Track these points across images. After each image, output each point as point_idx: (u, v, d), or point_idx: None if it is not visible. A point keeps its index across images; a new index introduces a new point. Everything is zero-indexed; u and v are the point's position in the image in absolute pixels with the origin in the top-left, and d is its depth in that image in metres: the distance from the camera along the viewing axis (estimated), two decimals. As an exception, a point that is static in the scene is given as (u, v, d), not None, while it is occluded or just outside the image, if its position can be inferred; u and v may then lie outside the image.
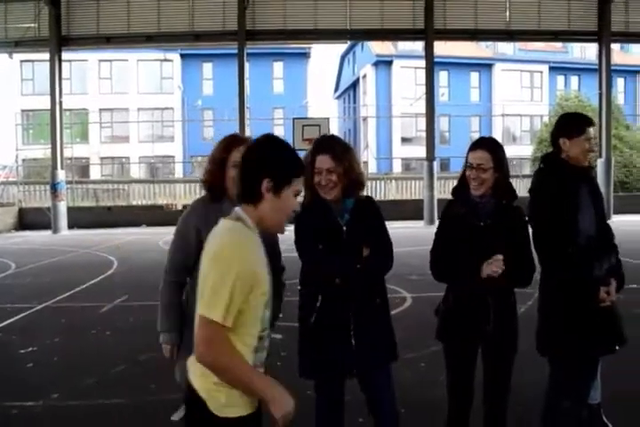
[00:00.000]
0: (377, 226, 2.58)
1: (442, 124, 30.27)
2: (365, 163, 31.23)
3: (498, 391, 2.69)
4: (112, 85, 31.76)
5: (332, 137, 2.71)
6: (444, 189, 18.14)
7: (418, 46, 16.89)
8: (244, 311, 1.56)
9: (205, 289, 1.55)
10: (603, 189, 15.86)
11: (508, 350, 2.69)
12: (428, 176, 16.63)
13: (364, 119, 32.09)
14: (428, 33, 16.49)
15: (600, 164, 16.75)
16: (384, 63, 32.04)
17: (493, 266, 2.48)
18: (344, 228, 2.48)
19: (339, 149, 2.52)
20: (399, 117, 29.93)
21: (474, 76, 33.12)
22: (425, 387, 3.29)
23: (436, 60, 17.37)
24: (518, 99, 30.99)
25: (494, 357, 2.68)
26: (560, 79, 33.15)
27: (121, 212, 18.98)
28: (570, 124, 2.82)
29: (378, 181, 21.45)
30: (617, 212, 16.91)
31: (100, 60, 30.93)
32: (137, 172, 29.95)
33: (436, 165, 17.15)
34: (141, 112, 31.07)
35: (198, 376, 1.61)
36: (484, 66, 32.78)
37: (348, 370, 2.49)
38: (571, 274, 2.68)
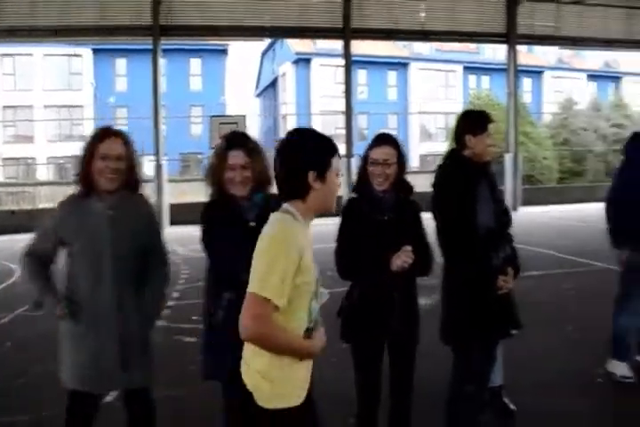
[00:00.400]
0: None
1: (361, 121, 30.82)
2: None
3: (403, 385, 2.73)
4: (15, 81, 29.95)
5: (243, 133, 2.68)
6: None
7: (337, 45, 17.10)
8: (292, 300, 1.64)
9: (258, 270, 1.62)
10: (510, 182, 16.92)
11: (411, 344, 2.75)
12: (346, 173, 16.82)
13: (284, 117, 32.10)
14: (346, 32, 16.66)
15: (508, 159, 17.59)
16: (303, 61, 32.19)
17: (403, 256, 2.51)
18: (252, 223, 2.42)
19: (251, 145, 2.50)
20: (319, 115, 30.16)
21: (391, 75, 33.95)
22: (340, 382, 3.31)
23: (354, 58, 17.57)
24: (434, 97, 32.11)
25: (400, 351, 2.72)
26: (473, 79, 34.62)
27: (26, 216, 17.88)
28: (474, 121, 2.94)
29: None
30: (524, 204, 17.83)
31: (2, 55, 29.13)
32: (44, 173, 28.36)
33: (354, 161, 17.39)
34: (48, 110, 29.49)
35: (245, 370, 1.69)
36: (402, 65, 33.70)
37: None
38: (473, 265, 2.78)
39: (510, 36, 17.51)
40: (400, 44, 31.90)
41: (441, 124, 32.46)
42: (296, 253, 1.63)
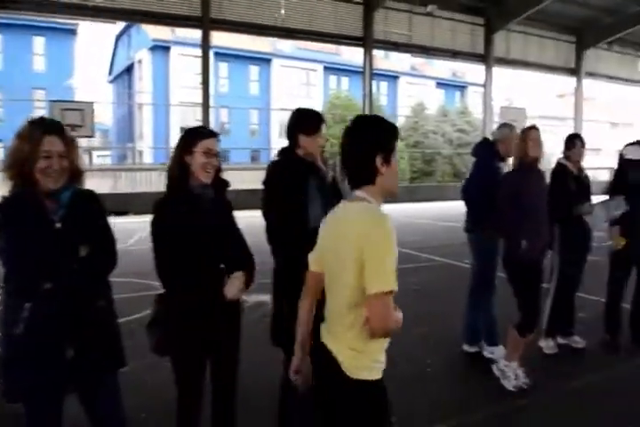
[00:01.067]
0: (101, 223, 2.25)
1: (222, 115, 30.23)
2: (140, 152, 29.62)
3: (227, 395, 2.58)
4: None
5: (54, 120, 2.31)
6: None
7: (198, 34, 16.57)
8: None
9: (374, 269, 1.64)
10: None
11: (234, 353, 2.58)
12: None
13: (140, 106, 30.48)
14: (205, 21, 16.11)
15: (363, 159, 18.22)
16: (161, 49, 30.67)
17: (237, 284, 2.36)
18: (58, 224, 2.12)
19: (67, 132, 2.18)
20: (177, 106, 29.07)
21: (254, 70, 33.67)
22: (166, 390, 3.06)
23: (217, 50, 17.11)
24: (295, 94, 32.43)
25: (223, 363, 2.55)
26: (333, 79, 35.49)
27: None
28: (308, 121, 2.83)
29: (153, 172, 20.55)
30: (378, 203, 18.61)
31: None
32: None
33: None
34: None
35: (333, 343, 1.81)
36: (264, 60, 33.54)
37: (65, 385, 2.12)
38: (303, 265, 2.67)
39: (366, 41, 18.11)
40: (263, 38, 31.73)
41: (301, 122, 32.89)
42: (395, 242, 1.69)
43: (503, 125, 4.62)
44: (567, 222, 4.48)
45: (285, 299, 2.70)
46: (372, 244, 1.67)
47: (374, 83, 22.72)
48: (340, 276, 1.77)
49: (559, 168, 4.68)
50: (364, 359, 1.79)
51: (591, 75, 24.95)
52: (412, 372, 4.17)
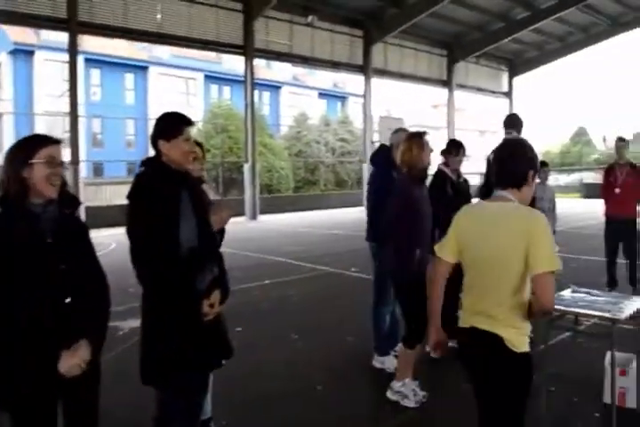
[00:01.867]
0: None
1: (95, 125, 28.51)
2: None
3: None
4: None
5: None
6: (98, 196, 16.85)
7: (65, 38, 15.35)
8: None
9: (544, 252, 2.04)
10: (249, 191, 17.16)
11: (91, 397, 2.17)
12: (73, 182, 15.04)
13: (-1, 116, 27.92)
14: (72, 24, 14.98)
15: (247, 168, 17.97)
16: (24, 53, 28.28)
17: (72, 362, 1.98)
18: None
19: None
20: (42, 116, 26.93)
21: (129, 78, 32.13)
22: None
23: (88, 57, 16.00)
24: (174, 104, 31.33)
25: (78, 410, 2.13)
26: (214, 88, 34.82)
27: None
28: (167, 124, 2.48)
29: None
30: (263, 212, 18.42)
31: None
32: None
33: (84, 169, 15.72)
34: None
35: (495, 326, 2.12)
36: (140, 68, 32.12)
37: None
38: (175, 289, 2.36)
39: (247, 49, 17.90)
40: (138, 45, 30.39)
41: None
42: None
43: (399, 130, 4.55)
44: (447, 228, 4.50)
45: (157, 328, 2.37)
46: (538, 234, 2.07)
47: (256, 92, 22.54)
48: (505, 265, 2.12)
49: (438, 174, 4.75)
50: (523, 335, 2.16)
51: (461, 86, 26.62)
52: (298, 388, 3.98)
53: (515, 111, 5.53)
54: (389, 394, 3.82)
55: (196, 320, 2.38)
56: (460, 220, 2.33)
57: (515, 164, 2.23)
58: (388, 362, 4.33)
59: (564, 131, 51.05)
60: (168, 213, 2.33)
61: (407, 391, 3.76)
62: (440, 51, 25.01)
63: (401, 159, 3.80)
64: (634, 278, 6.56)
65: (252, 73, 18.27)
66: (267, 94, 35.87)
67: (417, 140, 3.79)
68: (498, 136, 35.20)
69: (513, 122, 4.91)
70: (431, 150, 3.82)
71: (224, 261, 2.73)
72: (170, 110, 2.65)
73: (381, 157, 4.57)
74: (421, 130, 3.93)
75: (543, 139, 42.03)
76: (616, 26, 25.25)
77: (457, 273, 2.36)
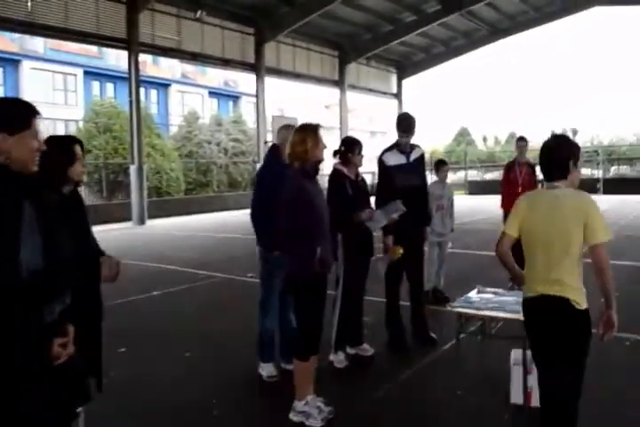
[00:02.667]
0: None
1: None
2: None
3: None
4: None
5: None
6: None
7: None
8: None
9: (599, 224, 2.50)
10: (136, 195, 16.17)
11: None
12: None
13: None
14: None
15: (133, 170, 16.84)
16: None
17: None
18: None
19: None
20: None
21: (-3, 72, 29.33)
22: None
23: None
24: (51, 101, 28.99)
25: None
26: (96, 85, 32.67)
27: None
28: (11, 114, 1.89)
29: None
30: (152, 216, 17.39)
31: None
32: None
33: None
34: None
35: (563, 290, 2.54)
36: (11, 61, 29.33)
37: None
38: (11, 323, 1.81)
39: (131, 44, 16.75)
40: (10, 36, 27.75)
41: (61, 130, 29.48)
42: None
43: (283, 128, 4.21)
44: (348, 230, 4.28)
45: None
46: (594, 211, 2.51)
47: (143, 90, 21.37)
48: (570, 239, 2.52)
49: (336, 174, 4.48)
50: (583, 295, 2.55)
51: (353, 87, 26.96)
52: (189, 413, 3.53)
53: (404, 112, 5.55)
54: (292, 416, 3.46)
55: (41, 364, 1.86)
56: (522, 204, 2.77)
57: (557, 157, 2.66)
58: (266, 370, 4.14)
59: (447, 131, 53.80)
60: (3, 229, 1.78)
61: (311, 410, 3.42)
62: (332, 51, 25.16)
63: (292, 152, 3.45)
64: None
65: (138, 69, 17.16)
66: (154, 92, 34.30)
67: (311, 132, 3.47)
68: (388, 137, 36.29)
69: (410, 126, 4.75)
70: (324, 146, 3.52)
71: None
72: (10, 97, 2.06)
73: (268, 155, 4.28)
74: (318, 123, 3.60)
75: (430, 138, 43.88)
76: (495, 32, 26.80)
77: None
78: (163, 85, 34.90)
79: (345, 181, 4.43)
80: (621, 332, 4.31)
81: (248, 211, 4.29)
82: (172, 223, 17.15)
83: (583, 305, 2.56)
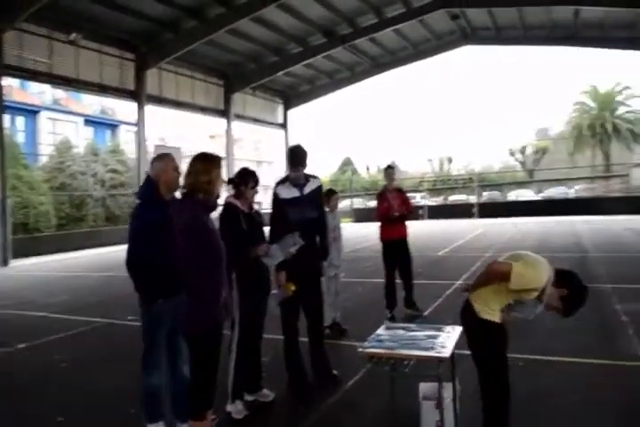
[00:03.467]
0: None
1: None
2: None
3: None
4: None
5: None
6: None
7: None
8: None
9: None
10: (-1, 231, 14.33)
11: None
12: None
13: None
14: None
15: (-4, 205, 15.21)
16: None
17: None
18: None
19: None
20: None
21: None
22: None
23: None
24: None
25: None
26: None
27: None
28: None
29: None
30: (18, 255, 15.73)
31: None
32: None
33: None
34: None
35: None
36: None
37: None
38: None
39: (-2, 66, 15.35)
40: None
41: None
42: None
43: (156, 159, 3.78)
44: (243, 266, 3.94)
45: None
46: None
47: (7, 117, 19.62)
48: None
49: (228, 207, 4.14)
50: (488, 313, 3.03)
51: (239, 117, 26.75)
52: None
53: (295, 145, 5.34)
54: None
55: None
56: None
57: None
58: None
59: (332, 160, 55.22)
60: None
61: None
62: (217, 80, 24.86)
63: (195, 182, 3.06)
64: (410, 300, 6.76)
65: (1, 94, 15.71)
66: (21, 119, 31.73)
67: (216, 162, 3.16)
68: (275, 166, 36.53)
69: (300, 161, 4.51)
70: (223, 180, 3.19)
71: None
72: None
73: (143, 188, 3.75)
74: (215, 154, 3.27)
75: (316, 168, 44.67)
76: (377, 66, 28.03)
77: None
78: (31, 112, 32.42)
79: (239, 216, 4.10)
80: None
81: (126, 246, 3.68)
82: (42, 263, 15.59)
83: (485, 316, 3.00)
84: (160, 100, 21.95)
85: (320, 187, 4.70)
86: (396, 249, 6.80)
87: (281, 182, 4.61)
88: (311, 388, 4.42)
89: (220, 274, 3.08)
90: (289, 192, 4.49)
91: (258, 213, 4.38)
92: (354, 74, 28.68)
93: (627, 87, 43.33)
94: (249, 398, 4.17)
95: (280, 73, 25.07)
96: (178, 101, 22.91)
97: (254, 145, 48.14)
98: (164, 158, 3.71)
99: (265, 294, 4.25)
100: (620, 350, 5.05)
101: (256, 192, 4.28)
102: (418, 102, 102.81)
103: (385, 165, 7.24)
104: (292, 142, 31.18)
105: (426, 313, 6.76)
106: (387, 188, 7.02)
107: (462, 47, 27.54)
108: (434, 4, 21.83)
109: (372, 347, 3.23)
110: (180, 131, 39.26)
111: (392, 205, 6.80)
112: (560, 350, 5.12)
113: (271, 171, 49.60)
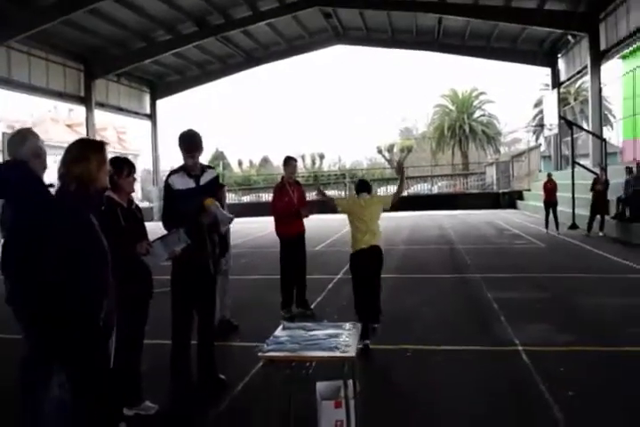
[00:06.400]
0: None
1: None
2: None
3: None
4: None
5: None
6: None
7: None
8: None
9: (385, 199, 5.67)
10: None
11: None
12: None
13: None
14: None
15: None
16: None
17: None
18: None
19: None
20: None
21: None
22: None
23: None
24: None
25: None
26: None
27: None
28: None
29: None
30: None
31: None
32: None
33: None
34: None
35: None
36: None
37: None
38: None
39: None
40: None
41: None
42: None
43: (26, 135, 3.28)
44: (121, 266, 3.52)
45: None
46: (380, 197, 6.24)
47: None
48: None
49: (105, 201, 3.65)
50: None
51: (102, 105, 24.99)
52: None
53: (188, 129, 4.84)
54: None
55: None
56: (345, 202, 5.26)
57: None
58: None
59: (204, 154, 53.72)
60: None
61: None
62: (77, 64, 22.98)
63: (70, 170, 2.62)
64: (303, 298, 6.57)
65: None
66: None
67: (96, 148, 2.73)
68: (141, 160, 34.55)
69: (194, 145, 4.16)
70: (110, 171, 2.79)
71: None
72: None
73: (18, 173, 3.20)
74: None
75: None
76: (250, 59, 27.62)
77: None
78: None
79: (117, 211, 3.65)
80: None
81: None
82: None
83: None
84: (8, 83, 19.75)
85: (217, 178, 4.39)
86: (294, 246, 6.54)
87: (175, 172, 4.20)
88: (198, 395, 4.09)
89: (104, 283, 2.68)
90: (184, 183, 4.10)
91: (138, 208, 3.97)
92: (226, 66, 28.08)
93: (482, 93, 47.05)
94: (129, 412, 3.75)
95: (148, 60, 23.83)
96: (30, 85, 20.77)
97: (118, 136, 45.44)
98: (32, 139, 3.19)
99: (147, 297, 3.86)
100: (496, 338, 5.30)
101: (134, 180, 3.84)
102: (291, 98, 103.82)
103: (285, 156, 6.75)
104: (161, 134, 29.99)
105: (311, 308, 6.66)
106: (286, 180, 6.66)
107: (335, 46, 28.13)
108: (307, 1, 21.97)
109: (273, 350, 2.99)
110: (34, 119, 35.95)
111: (292, 200, 6.52)
112: (442, 339, 5.28)
113: (137, 163, 47.19)
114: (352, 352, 2.98)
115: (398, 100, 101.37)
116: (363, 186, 5.47)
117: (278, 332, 3.31)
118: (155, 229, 4.51)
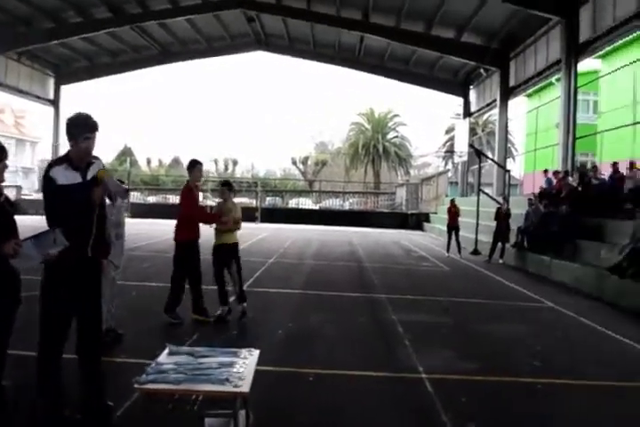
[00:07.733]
0: None
1: None
2: None
3: None
4: None
5: None
6: None
7: None
8: None
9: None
10: None
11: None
12: None
13: None
14: None
15: None
16: None
17: None
18: None
19: None
20: None
21: None
22: None
23: None
24: None
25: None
26: None
27: None
28: None
29: None
30: None
31: None
32: None
33: None
34: None
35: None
36: None
37: None
38: None
39: None
40: None
41: None
42: None
43: None
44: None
45: None
46: None
47: None
48: None
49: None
50: None
51: (-1, 85, 23.02)
52: None
53: (78, 112, 4.22)
54: None
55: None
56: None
57: None
58: None
59: (110, 149, 51.26)
60: None
61: None
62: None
63: None
64: (201, 306, 6.27)
65: None
66: None
67: None
68: (40, 147, 32.23)
69: (89, 127, 3.58)
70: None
71: None
72: None
73: None
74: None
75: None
76: (166, 54, 26.56)
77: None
78: None
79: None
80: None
81: None
82: None
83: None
84: None
85: (104, 168, 3.76)
86: (191, 250, 6.38)
87: (57, 163, 3.51)
88: (73, 422, 3.38)
89: None
90: (68, 177, 3.45)
91: (8, 201, 3.35)
92: (140, 57, 26.83)
93: (396, 115, 48.37)
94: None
95: (54, 42, 22.21)
96: None
97: (16, 120, 42.20)
98: None
99: (12, 301, 3.25)
100: (400, 363, 5.08)
101: (5, 167, 3.23)
102: (209, 101, 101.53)
103: (191, 160, 6.52)
104: (64, 122, 28.18)
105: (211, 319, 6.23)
106: (193, 184, 6.46)
107: (257, 51, 27.78)
108: (230, 2, 21.52)
109: (152, 381, 2.49)
110: None
111: (200, 205, 6.67)
112: (345, 363, 4.98)
113: (35, 152, 44.08)
114: (246, 387, 2.59)
115: (316, 113, 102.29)
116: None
117: (162, 358, 2.82)
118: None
